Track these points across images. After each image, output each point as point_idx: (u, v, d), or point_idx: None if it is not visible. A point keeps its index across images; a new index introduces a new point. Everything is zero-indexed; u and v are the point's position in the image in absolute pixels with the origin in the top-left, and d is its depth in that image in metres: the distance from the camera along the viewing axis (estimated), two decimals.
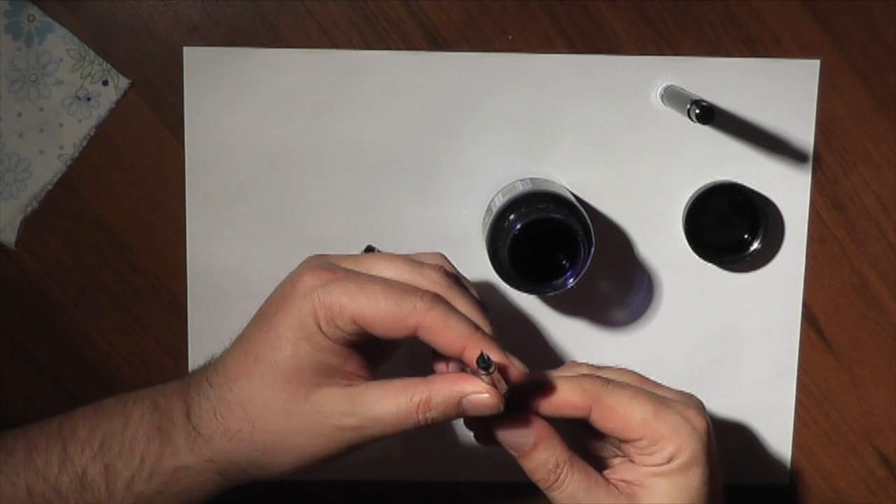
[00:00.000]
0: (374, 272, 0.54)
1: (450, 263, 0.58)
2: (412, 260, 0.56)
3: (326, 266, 0.54)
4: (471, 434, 0.56)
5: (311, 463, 0.54)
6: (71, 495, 0.54)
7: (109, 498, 0.54)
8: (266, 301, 0.55)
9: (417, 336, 0.52)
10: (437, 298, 0.52)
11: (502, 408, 0.52)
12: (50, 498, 0.54)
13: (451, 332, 0.52)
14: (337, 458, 0.54)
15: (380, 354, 0.56)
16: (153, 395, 0.56)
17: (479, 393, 0.51)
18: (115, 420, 0.55)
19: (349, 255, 0.56)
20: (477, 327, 0.52)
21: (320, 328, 0.52)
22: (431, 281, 0.54)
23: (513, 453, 0.54)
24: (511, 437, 0.54)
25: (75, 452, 0.55)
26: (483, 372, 0.50)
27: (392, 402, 0.52)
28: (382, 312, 0.51)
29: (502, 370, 0.52)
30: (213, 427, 0.54)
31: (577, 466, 0.54)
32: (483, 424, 0.55)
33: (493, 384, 0.51)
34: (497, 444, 0.55)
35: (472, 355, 0.51)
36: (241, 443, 0.53)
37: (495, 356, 0.51)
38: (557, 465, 0.54)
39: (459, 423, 0.56)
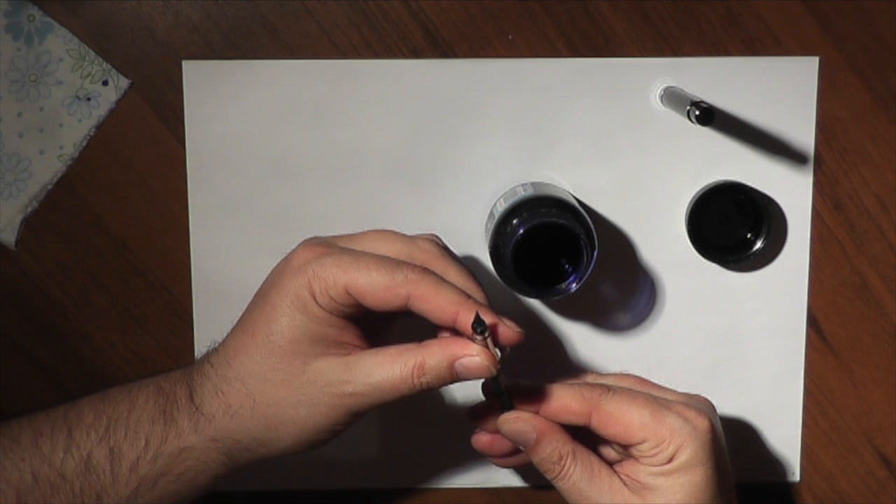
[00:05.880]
0: (367, 247, 0.55)
1: (442, 241, 0.59)
2: (405, 235, 0.57)
3: (320, 241, 0.56)
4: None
5: (313, 435, 0.55)
6: (76, 479, 0.55)
7: (114, 480, 0.55)
8: (264, 281, 0.56)
9: (410, 307, 0.53)
10: (428, 270, 0.54)
11: (494, 371, 0.53)
12: (55, 482, 0.55)
13: (442, 299, 0.53)
14: (338, 429, 0.55)
15: (376, 333, 0.57)
16: (158, 381, 0.57)
17: (472, 356, 0.52)
18: (120, 405, 0.56)
19: (343, 235, 0.57)
20: (468, 295, 0.53)
21: (315, 299, 0.53)
22: (424, 250, 0.55)
23: (521, 448, 0.57)
24: (516, 433, 0.56)
25: (81, 437, 0.55)
26: (478, 336, 0.51)
27: (387, 368, 0.53)
28: (374, 282, 0.52)
29: (497, 332, 0.53)
30: (215, 405, 0.55)
31: (580, 458, 0.56)
32: (499, 447, 0.59)
33: (487, 346, 0.52)
34: (511, 467, 0.58)
35: (465, 320, 0.52)
36: (244, 419, 0.54)
37: (488, 318, 0.52)
38: (561, 457, 0.56)
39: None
